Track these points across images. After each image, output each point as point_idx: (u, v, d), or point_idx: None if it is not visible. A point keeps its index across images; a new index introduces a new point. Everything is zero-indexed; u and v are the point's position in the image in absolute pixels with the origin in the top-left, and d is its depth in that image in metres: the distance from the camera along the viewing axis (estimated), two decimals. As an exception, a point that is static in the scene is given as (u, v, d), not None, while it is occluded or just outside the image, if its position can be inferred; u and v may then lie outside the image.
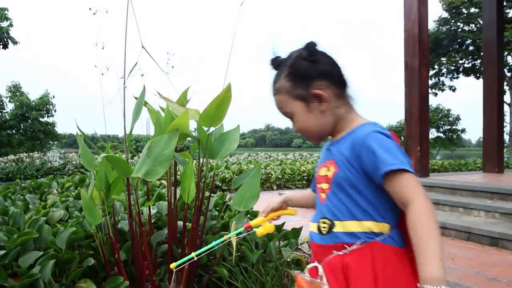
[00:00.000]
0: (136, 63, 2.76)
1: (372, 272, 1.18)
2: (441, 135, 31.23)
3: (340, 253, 1.24)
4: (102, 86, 3.16)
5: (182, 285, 2.94)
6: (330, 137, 1.39)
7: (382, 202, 1.23)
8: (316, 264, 1.31)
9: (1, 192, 5.44)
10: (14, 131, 28.31)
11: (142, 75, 2.88)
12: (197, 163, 3.19)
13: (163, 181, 5.85)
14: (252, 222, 1.53)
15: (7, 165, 14.21)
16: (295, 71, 1.29)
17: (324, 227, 1.28)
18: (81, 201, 2.94)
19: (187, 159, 3.16)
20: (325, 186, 1.32)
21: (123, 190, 3.05)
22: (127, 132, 2.83)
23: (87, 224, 3.04)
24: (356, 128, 1.29)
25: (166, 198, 3.76)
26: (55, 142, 32.35)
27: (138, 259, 2.86)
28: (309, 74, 1.28)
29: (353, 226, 1.23)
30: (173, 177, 3.33)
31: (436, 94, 27.72)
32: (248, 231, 1.57)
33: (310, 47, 1.28)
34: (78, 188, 5.68)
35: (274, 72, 1.37)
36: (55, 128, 29.97)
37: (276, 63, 1.35)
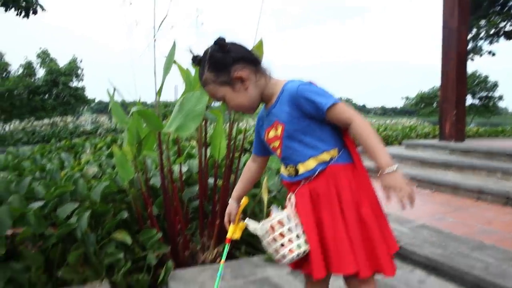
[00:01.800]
0: (166, 15, 2.70)
1: (334, 187, 1.47)
2: (477, 102, 30.09)
3: (306, 182, 1.52)
4: (130, 44, 3.13)
5: (213, 240, 2.98)
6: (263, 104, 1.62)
7: (327, 133, 1.51)
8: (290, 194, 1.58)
9: (38, 151, 5.61)
10: (46, 97, 29.13)
11: (172, 27, 2.82)
12: (227, 123, 3.16)
13: (192, 142, 5.89)
14: (229, 235, 1.74)
15: (42, 128, 14.71)
16: (214, 63, 1.50)
17: (291, 172, 1.56)
18: (114, 158, 2.98)
19: (217, 117, 3.14)
20: (276, 143, 1.56)
21: (154, 147, 3.07)
22: (158, 87, 2.80)
23: (120, 179, 3.09)
24: (284, 88, 1.53)
25: (197, 157, 3.78)
26: (86, 107, 33.10)
27: (170, 214, 2.90)
28: (226, 62, 1.49)
29: (312, 162, 1.50)
30: (203, 136, 3.31)
31: (473, 60, 26.44)
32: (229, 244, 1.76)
33: (220, 42, 1.50)
34: (110, 148, 5.79)
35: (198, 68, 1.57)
36: (84, 93, 30.67)
37: (197, 60, 1.55)
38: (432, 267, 2.99)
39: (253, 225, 1.56)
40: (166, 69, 2.89)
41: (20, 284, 2.43)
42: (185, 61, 3.01)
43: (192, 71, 3.07)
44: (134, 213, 3.10)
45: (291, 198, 1.56)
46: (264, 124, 1.62)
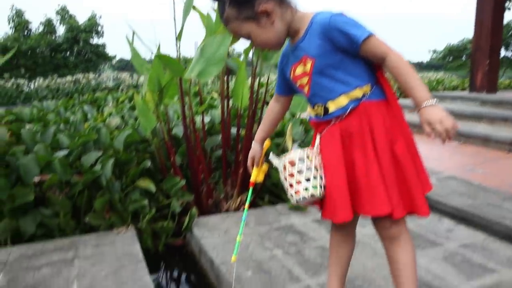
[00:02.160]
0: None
1: (367, 125, 1.37)
2: (510, 54, 28.68)
3: (337, 121, 1.41)
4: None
5: (237, 189, 2.97)
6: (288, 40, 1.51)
7: (359, 68, 1.40)
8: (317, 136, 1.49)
9: (62, 104, 5.66)
10: (68, 54, 29.28)
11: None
12: (250, 77, 3.06)
13: (213, 94, 5.83)
14: (252, 179, 1.68)
15: (65, 86, 14.86)
16: None
17: (319, 112, 1.46)
18: (136, 108, 2.94)
19: (239, 66, 3.04)
20: (304, 80, 1.46)
21: (176, 95, 3.01)
22: (177, 32, 2.70)
23: (142, 129, 3.07)
24: (312, 20, 1.40)
25: (219, 107, 3.72)
26: (107, 64, 33.21)
27: (193, 163, 2.88)
28: None
29: (344, 100, 1.39)
30: (225, 87, 3.22)
31: (509, 9, 24.89)
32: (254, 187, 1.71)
33: None
34: (133, 101, 5.79)
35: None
36: (105, 50, 30.66)
37: None
38: (461, 217, 2.92)
39: (274, 161, 1.52)
40: (186, 12, 2.77)
41: (50, 229, 2.49)
42: (205, 7, 2.90)
43: (213, 16, 2.95)
44: (158, 162, 3.10)
45: (316, 139, 1.48)
46: (289, 61, 1.52)
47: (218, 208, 3.01)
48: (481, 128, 5.13)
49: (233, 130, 3.22)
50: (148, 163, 2.85)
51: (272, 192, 3.26)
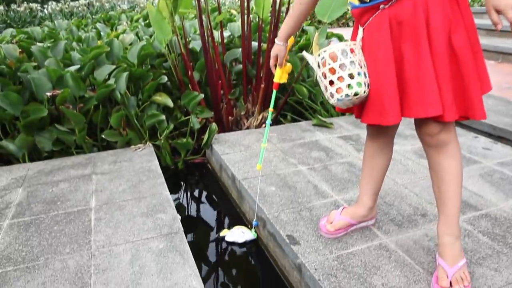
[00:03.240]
0: None
1: (422, 11, 1.13)
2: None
3: (386, 7, 1.18)
4: None
5: (258, 106, 2.81)
6: None
7: None
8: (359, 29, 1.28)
9: (74, 23, 5.43)
10: (82, -23, 28.23)
11: None
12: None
13: (231, 10, 5.47)
14: (276, 79, 1.56)
15: (79, 9, 14.41)
16: None
17: None
18: (149, 17, 2.72)
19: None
20: None
21: (191, 6, 2.76)
22: None
23: (158, 41, 2.87)
24: None
25: (239, 20, 3.44)
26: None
27: (212, 78, 2.70)
28: None
29: None
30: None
31: None
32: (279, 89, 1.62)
33: None
34: (147, 20, 5.50)
35: None
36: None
37: None
38: (498, 136, 2.73)
39: (308, 57, 1.33)
40: None
41: (67, 146, 2.42)
42: None
43: None
44: (175, 79, 2.94)
45: (359, 32, 1.27)
46: None
47: (238, 125, 2.88)
48: (522, 45, 4.73)
49: (254, 44, 2.99)
50: (165, 78, 2.70)
51: (294, 110, 3.09)
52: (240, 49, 2.88)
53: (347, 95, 1.20)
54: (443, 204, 1.27)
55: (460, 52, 1.13)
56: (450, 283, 1.24)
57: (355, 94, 1.20)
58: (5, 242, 1.57)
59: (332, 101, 1.25)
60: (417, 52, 1.13)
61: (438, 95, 1.12)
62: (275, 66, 1.53)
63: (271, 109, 1.65)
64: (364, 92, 1.21)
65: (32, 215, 1.76)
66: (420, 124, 1.24)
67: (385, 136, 1.41)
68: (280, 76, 1.54)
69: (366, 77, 1.22)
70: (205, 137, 2.44)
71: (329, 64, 1.23)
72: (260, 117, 2.80)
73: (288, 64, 1.55)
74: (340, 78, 1.21)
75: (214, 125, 2.44)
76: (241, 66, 2.93)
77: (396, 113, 1.17)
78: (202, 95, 2.51)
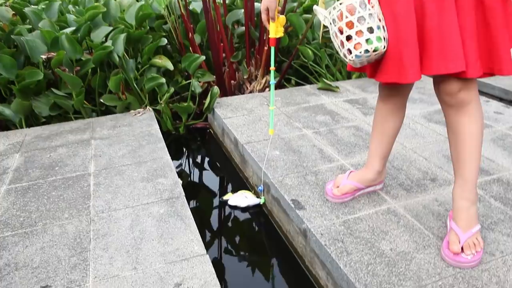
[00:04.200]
0: None
1: None
2: None
3: None
4: None
5: (261, 69, 2.71)
6: None
7: None
8: None
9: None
10: None
11: None
12: None
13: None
14: (272, 34, 1.48)
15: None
16: None
17: None
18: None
19: None
20: None
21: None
22: None
23: (157, 2, 2.76)
24: None
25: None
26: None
27: (214, 41, 2.59)
28: None
29: None
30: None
31: None
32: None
33: None
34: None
35: None
36: None
37: None
38: (510, 100, 2.65)
39: (321, 12, 1.23)
40: None
41: (65, 111, 2.36)
42: None
43: None
44: (175, 42, 2.83)
45: None
46: None
47: (241, 90, 2.79)
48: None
49: (257, 5, 2.86)
50: (165, 41, 2.59)
51: (299, 74, 3.00)
52: (242, 10, 2.75)
53: (366, 51, 1.11)
54: (461, 167, 1.20)
55: (488, 3, 1.03)
56: (462, 248, 1.19)
57: (375, 50, 1.10)
58: (2, 207, 1.53)
59: (349, 58, 1.15)
60: (440, 2, 1.03)
61: (462, 50, 1.03)
62: (268, 21, 1.44)
63: (272, 67, 1.58)
64: (384, 47, 1.11)
65: (29, 180, 1.71)
66: (439, 81, 1.15)
67: (399, 97, 1.33)
68: (275, 30, 1.46)
69: (385, 31, 1.12)
70: (207, 100, 2.37)
71: (346, 17, 1.13)
72: (264, 80, 2.70)
73: (281, 16, 1.46)
74: (359, 33, 1.11)
75: (216, 88, 2.36)
76: (243, 28, 2.82)
77: (416, 70, 1.08)
78: (203, 57, 2.41)
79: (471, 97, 1.13)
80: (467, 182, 1.20)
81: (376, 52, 1.11)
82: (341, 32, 1.15)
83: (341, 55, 1.19)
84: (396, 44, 1.10)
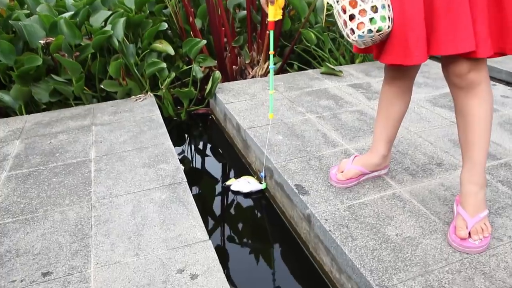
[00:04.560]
0: None
1: None
2: None
3: None
4: None
5: (264, 54, 2.67)
6: None
7: None
8: None
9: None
10: None
11: None
12: None
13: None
14: (270, 17, 1.43)
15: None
16: None
17: None
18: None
19: None
20: None
21: None
22: None
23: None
24: None
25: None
26: None
27: (215, 25, 2.55)
28: None
29: None
30: None
31: None
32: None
33: None
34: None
35: None
36: None
37: None
38: (516, 84, 2.61)
39: None
40: None
41: (66, 98, 2.33)
42: None
43: None
44: (175, 27, 2.79)
45: None
46: None
47: (243, 75, 2.75)
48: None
49: (259, -12, 2.81)
50: (165, 25, 2.54)
51: (301, 59, 2.95)
52: (244, -7, 2.70)
53: (369, 31, 1.07)
54: (469, 150, 1.17)
55: None
56: (469, 233, 1.17)
57: (379, 30, 1.07)
58: (3, 194, 1.52)
59: (352, 38, 1.12)
60: None
61: (472, 29, 0.99)
62: (267, 3, 1.40)
63: (271, 52, 1.54)
64: (388, 27, 1.07)
65: (30, 167, 1.69)
66: (447, 62, 1.11)
67: (405, 79, 1.30)
68: (274, 13, 1.42)
69: (390, 10, 1.08)
70: (209, 85, 2.33)
71: None
72: (266, 65, 2.66)
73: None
74: (362, 12, 1.07)
75: (217, 73, 2.32)
76: (245, 12, 2.77)
77: (422, 51, 1.05)
78: (205, 41, 2.37)
79: (481, 79, 1.09)
80: (476, 166, 1.17)
81: (380, 32, 1.07)
82: (344, 11, 1.11)
83: (344, 35, 1.15)
84: (402, 23, 1.06)
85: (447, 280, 1.07)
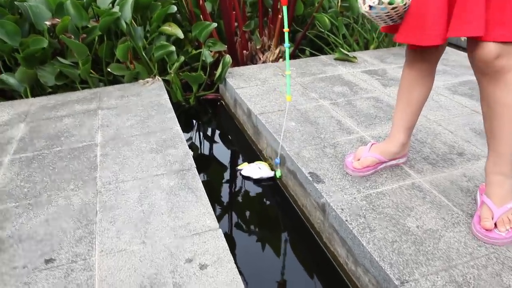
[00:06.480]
0: None
1: None
2: None
3: None
4: None
5: (275, 39, 2.59)
6: None
7: None
8: None
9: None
10: None
11: None
12: None
13: None
14: None
15: None
16: None
17: None
18: None
19: None
20: None
21: None
22: None
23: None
24: None
25: None
26: None
27: (226, 9, 2.46)
28: None
29: None
30: None
31: None
32: None
33: None
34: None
35: None
36: None
37: None
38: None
39: None
40: None
41: (72, 81, 2.27)
42: None
43: None
44: (185, 10, 2.71)
45: None
46: None
47: (253, 60, 2.68)
48: None
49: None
50: (174, 8, 2.47)
51: (313, 45, 2.86)
52: (256, -25, 2.61)
53: (380, 2, 1.00)
54: (494, 140, 1.10)
55: None
56: (495, 224, 1.10)
57: (390, 3, 0.99)
58: (6, 178, 1.47)
59: (364, 8, 1.05)
60: None
61: (483, 11, 0.90)
62: None
63: (286, 29, 1.45)
64: (405, 4, 1.00)
65: (34, 150, 1.64)
66: (473, 46, 1.02)
67: (425, 63, 1.22)
68: None
69: None
70: (219, 70, 2.26)
71: None
72: (277, 51, 2.58)
73: None
74: None
75: (228, 57, 2.25)
76: (256, -5, 2.68)
77: (440, 31, 0.96)
78: (215, 24, 2.29)
79: (510, 65, 0.99)
80: (501, 156, 1.10)
81: (392, 6, 1.00)
82: None
83: (359, 5, 1.09)
84: (421, 1, 0.98)
85: (472, 275, 1.00)
